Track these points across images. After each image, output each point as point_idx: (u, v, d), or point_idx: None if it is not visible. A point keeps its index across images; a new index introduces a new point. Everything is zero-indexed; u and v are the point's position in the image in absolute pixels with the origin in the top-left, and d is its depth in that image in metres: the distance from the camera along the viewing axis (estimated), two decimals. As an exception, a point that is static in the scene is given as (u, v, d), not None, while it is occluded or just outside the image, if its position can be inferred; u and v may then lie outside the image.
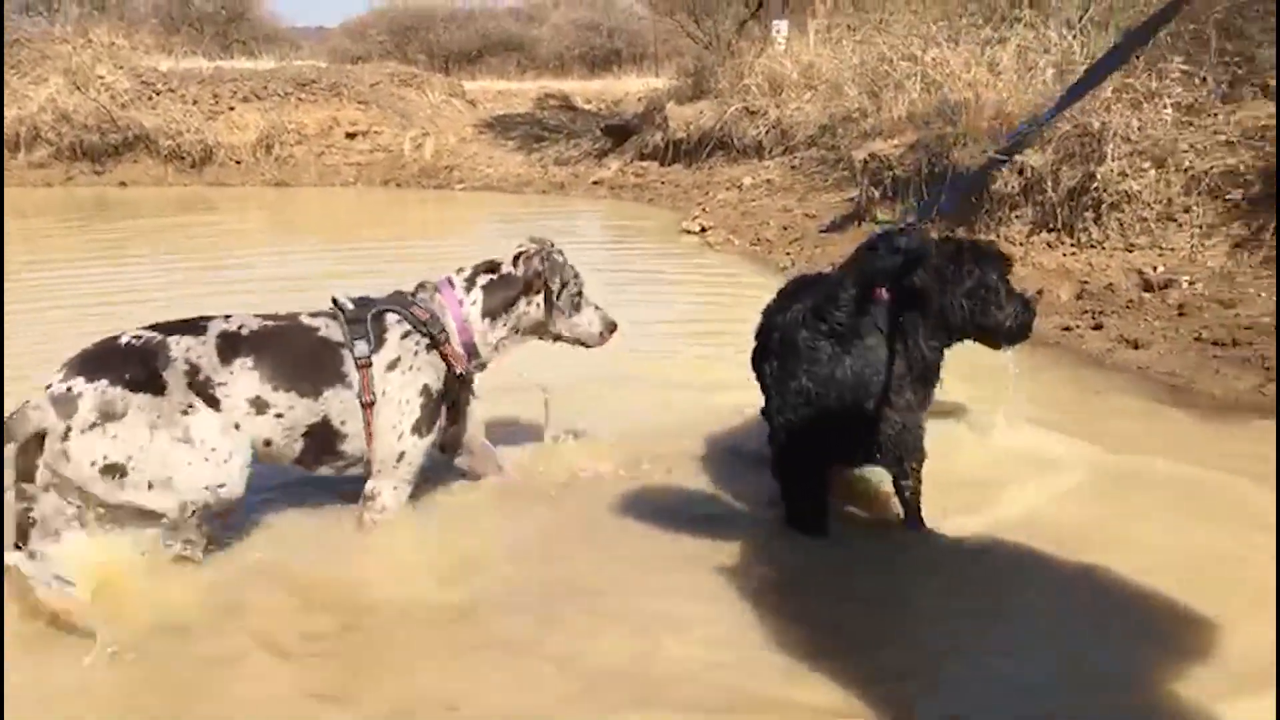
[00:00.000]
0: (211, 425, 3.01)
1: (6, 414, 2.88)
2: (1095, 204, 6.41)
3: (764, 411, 3.25)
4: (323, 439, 3.22)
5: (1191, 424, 4.29)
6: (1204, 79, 6.68)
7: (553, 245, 3.60)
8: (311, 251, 10.11)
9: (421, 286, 3.48)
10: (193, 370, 3.02)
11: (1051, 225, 6.66)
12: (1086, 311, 5.79)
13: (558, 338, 3.67)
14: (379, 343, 3.26)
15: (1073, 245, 6.49)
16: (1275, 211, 4.97)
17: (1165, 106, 6.56)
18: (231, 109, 17.05)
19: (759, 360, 3.29)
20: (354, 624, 2.82)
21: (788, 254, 8.39)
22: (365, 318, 3.27)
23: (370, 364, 3.22)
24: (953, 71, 8.25)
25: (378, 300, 3.37)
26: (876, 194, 8.38)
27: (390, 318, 3.32)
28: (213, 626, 2.77)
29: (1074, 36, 7.88)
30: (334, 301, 3.35)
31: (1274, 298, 5.44)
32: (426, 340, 3.32)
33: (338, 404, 3.19)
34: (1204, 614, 2.68)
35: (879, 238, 3.05)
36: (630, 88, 21.66)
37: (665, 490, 3.67)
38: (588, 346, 3.70)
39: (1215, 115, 6.44)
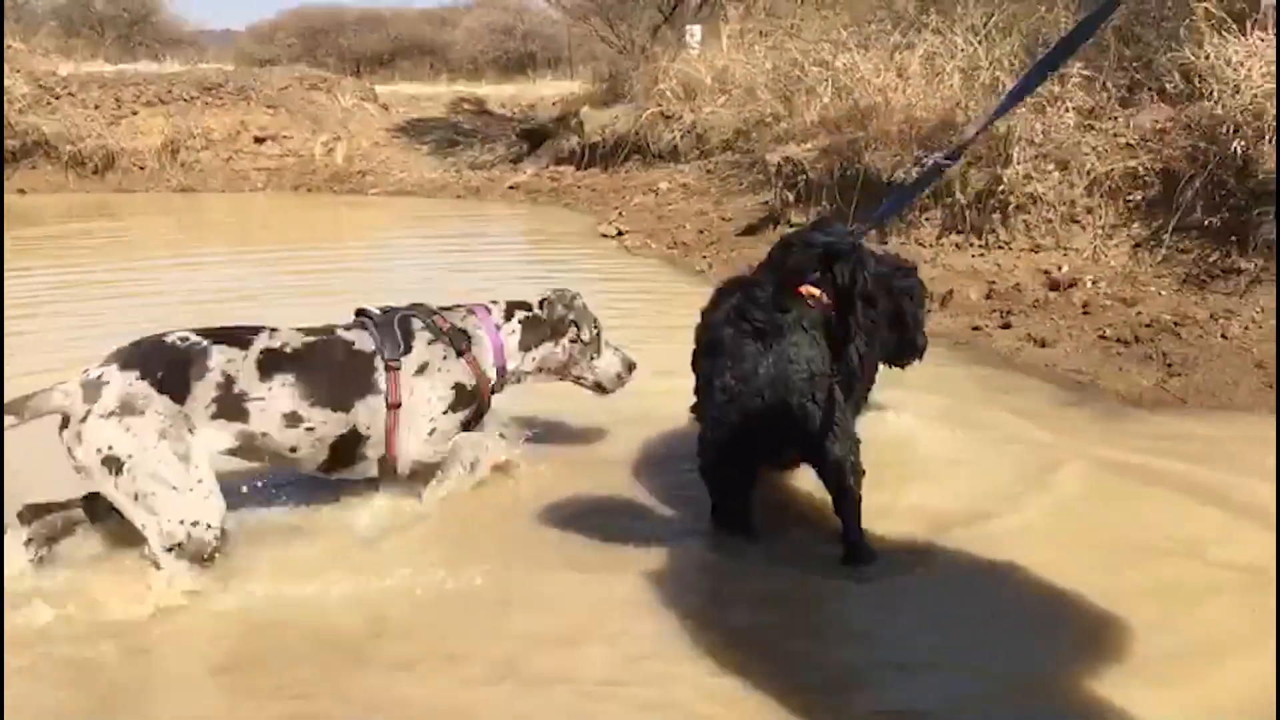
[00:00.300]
0: (205, 453, 3.04)
1: (34, 389, 2.93)
2: (1002, 206, 6.56)
3: (693, 409, 3.25)
4: (347, 447, 3.34)
5: (1096, 419, 4.40)
6: (1104, 84, 6.88)
7: (577, 294, 3.81)
8: (219, 258, 9.89)
9: (452, 307, 3.65)
10: (228, 383, 3.09)
11: (960, 227, 6.80)
12: (995, 311, 5.92)
13: (578, 380, 3.88)
14: (407, 347, 3.41)
15: (981, 247, 6.64)
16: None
17: (1067, 111, 6.74)
18: (135, 113, 16.61)
19: (695, 360, 3.31)
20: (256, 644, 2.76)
21: (704, 257, 8.43)
22: (393, 322, 3.44)
23: (399, 366, 3.36)
24: (863, 76, 8.37)
25: (401, 308, 3.54)
26: (791, 197, 8.48)
27: (415, 323, 3.48)
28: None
29: (979, 42, 8.05)
30: (360, 311, 3.50)
31: (1173, 296, 5.64)
32: (452, 349, 3.49)
33: (365, 412, 3.32)
34: (1120, 611, 2.74)
35: (795, 234, 3.07)
36: (545, 92, 21.62)
37: (591, 496, 3.64)
38: (605, 391, 3.91)
39: (1115, 119, 6.64)
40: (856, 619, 2.89)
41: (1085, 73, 6.95)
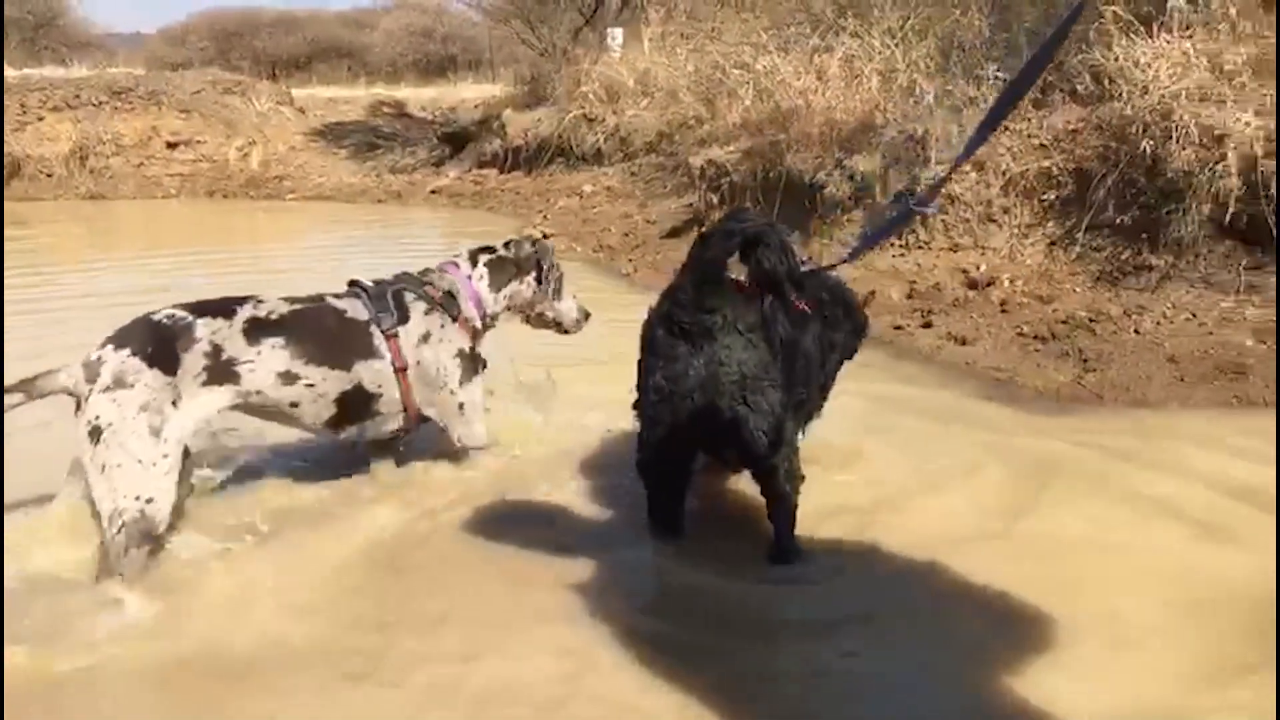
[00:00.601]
0: (175, 432, 3.14)
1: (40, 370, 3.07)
2: (921, 206, 6.64)
3: (635, 406, 3.23)
4: (355, 404, 3.51)
5: (1015, 415, 4.48)
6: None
7: (543, 236, 3.95)
8: (128, 266, 9.60)
9: (426, 270, 3.79)
10: (215, 351, 3.24)
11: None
12: (916, 310, 6.00)
13: (540, 317, 4.06)
14: (403, 318, 3.58)
15: (902, 247, 6.73)
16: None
17: (982, 112, 6.86)
18: (41, 119, 16.09)
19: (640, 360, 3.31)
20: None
21: (630, 260, 8.43)
22: (386, 294, 3.61)
23: (397, 334, 3.54)
24: (783, 79, 8.44)
25: (390, 280, 3.70)
26: (714, 199, 8.52)
27: (408, 295, 3.65)
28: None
29: (896, 45, 8.18)
30: (353, 283, 3.66)
31: (1087, 293, 5.77)
32: (448, 316, 3.67)
33: (369, 373, 3.49)
34: (1037, 603, 2.78)
35: (712, 226, 3.05)
36: (466, 94, 21.46)
37: (523, 502, 3.60)
38: (566, 332, 4.12)
39: (1029, 120, 6.77)
40: (783, 617, 2.89)
41: (1000, 75, 7.09)
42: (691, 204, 9.14)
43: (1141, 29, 6.40)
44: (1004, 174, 6.50)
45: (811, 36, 9.23)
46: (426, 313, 3.63)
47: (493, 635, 2.78)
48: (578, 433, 4.10)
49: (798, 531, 3.15)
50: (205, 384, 3.21)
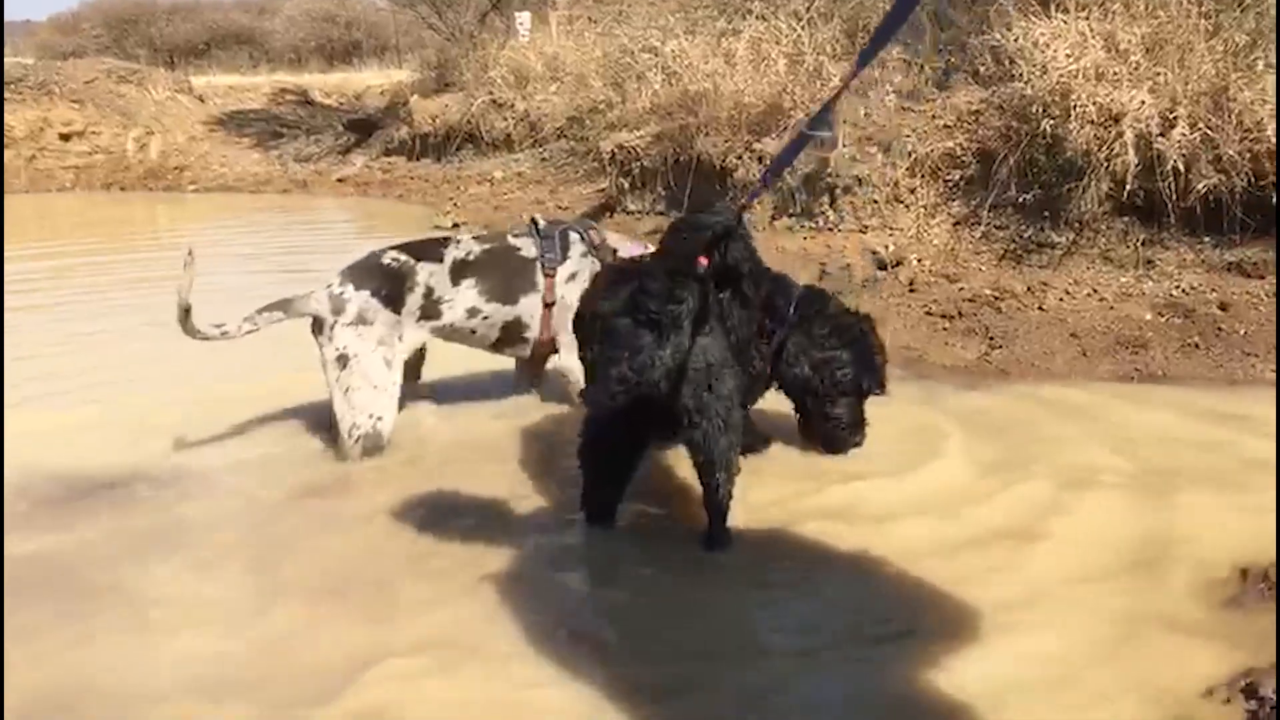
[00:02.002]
0: (399, 361, 3.84)
1: (299, 292, 3.80)
2: (830, 188, 6.70)
3: (581, 394, 3.17)
4: (512, 332, 4.09)
5: (922, 393, 4.54)
6: (921, 67, 7.11)
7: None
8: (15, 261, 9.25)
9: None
10: (429, 292, 3.90)
11: (791, 210, 6.92)
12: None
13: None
14: (564, 256, 4.07)
15: (812, 228, 6.77)
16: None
17: (888, 93, 6.95)
18: (-78, 111, 15.42)
19: (582, 343, 3.29)
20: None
21: (542, 247, 8.35)
22: (555, 234, 4.10)
23: (554, 273, 4.03)
24: (691, 63, 8.42)
25: (565, 222, 4.27)
26: (626, 185, 8.49)
27: (573, 235, 4.14)
28: None
29: (802, 28, 8.21)
30: (531, 220, 4.18)
31: (993, 271, 5.87)
32: (597, 260, 4.06)
33: (527, 306, 4.04)
34: (973, 598, 2.78)
35: (685, 218, 3.02)
36: (372, 81, 21.04)
37: (448, 494, 3.54)
38: None
39: (932, 101, 6.86)
40: (710, 601, 2.89)
41: (903, 56, 7.16)
42: (603, 189, 9.11)
43: (1039, 10, 6.51)
44: (910, 155, 6.58)
45: (719, 19, 9.24)
46: (583, 255, 4.10)
47: (414, 640, 2.71)
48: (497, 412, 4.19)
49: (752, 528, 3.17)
50: (418, 320, 3.90)
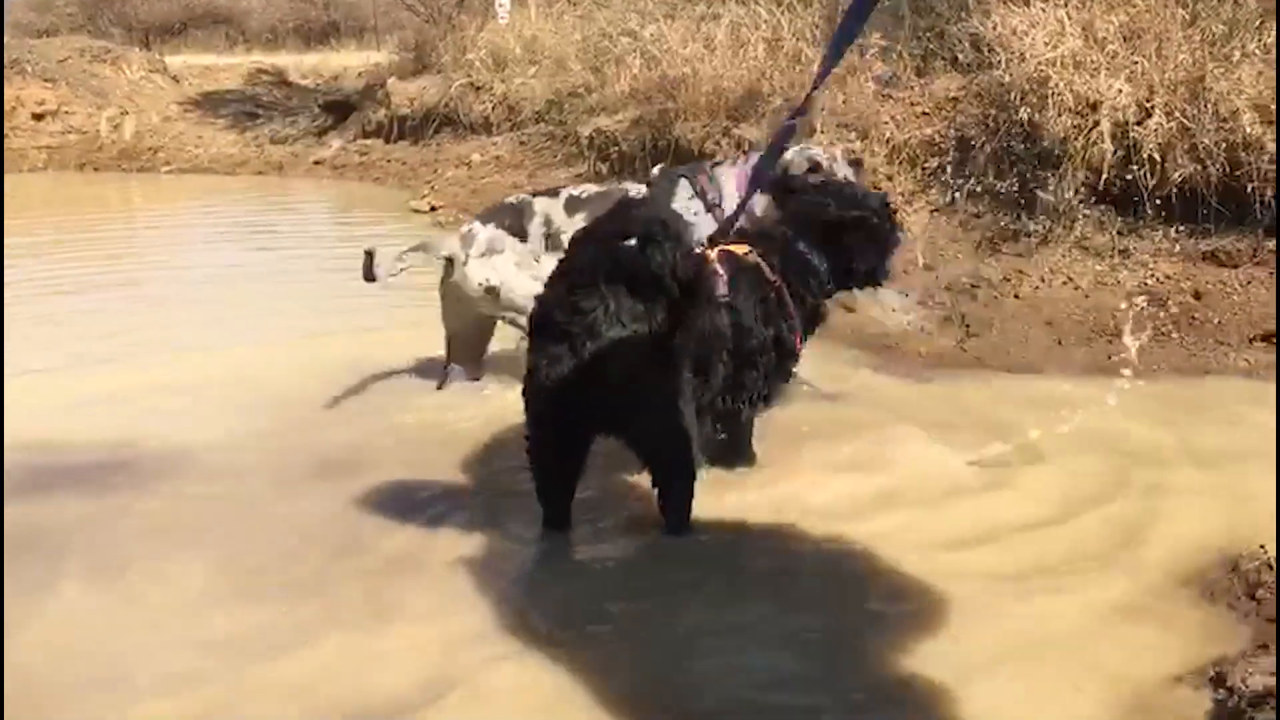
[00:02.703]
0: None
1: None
2: (809, 175, 6.68)
3: (523, 393, 3.14)
4: None
5: (897, 380, 4.55)
6: (900, 54, 7.10)
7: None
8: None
9: (719, 162, 4.46)
10: (548, 221, 4.18)
11: (770, 197, 6.90)
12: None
13: None
14: (669, 199, 4.19)
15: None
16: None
17: (867, 81, 6.93)
18: (-110, 89, 15.18)
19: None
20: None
21: (519, 231, 8.31)
22: (666, 178, 4.32)
23: None
24: (670, 47, 8.39)
25: (679, 169, 4.46)
26: (604, 169, 8.46)
27: (681, 181, 4.26)
28: None
29: (781, 13, 8.18)
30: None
31: (969, 259, 5.88)
32: (703, 205, 4.15)
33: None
34: (944, 587, 2.78)
35: (594, 224, 2.99)
36: (350, 62, 20.81)
37: (406, 480, 3.54)
38: None
39: (911, 88, 6.86)
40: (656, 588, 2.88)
41: (882, 43, 7.15)
42: (581, 174, 9.04)
43: (1018, -2, 6.51)
44: (888, 142, 6.58)
45: (698, 4, 9.19)
46: (689, 198, 4.21)
47: (358, 651, 2.65)
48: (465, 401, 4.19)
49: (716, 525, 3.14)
50: (546, 250, 4.08)
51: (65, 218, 10.74)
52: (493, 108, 11.97)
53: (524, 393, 3.05)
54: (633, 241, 2.83)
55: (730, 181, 4.19)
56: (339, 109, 15.25)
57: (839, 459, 3.65)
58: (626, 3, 10.58)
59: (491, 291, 4.04)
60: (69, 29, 29.30)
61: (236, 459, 3.76)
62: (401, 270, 4.18)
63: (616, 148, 8.29)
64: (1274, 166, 5.16)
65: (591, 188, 4.39)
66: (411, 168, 12.26)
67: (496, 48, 12.41)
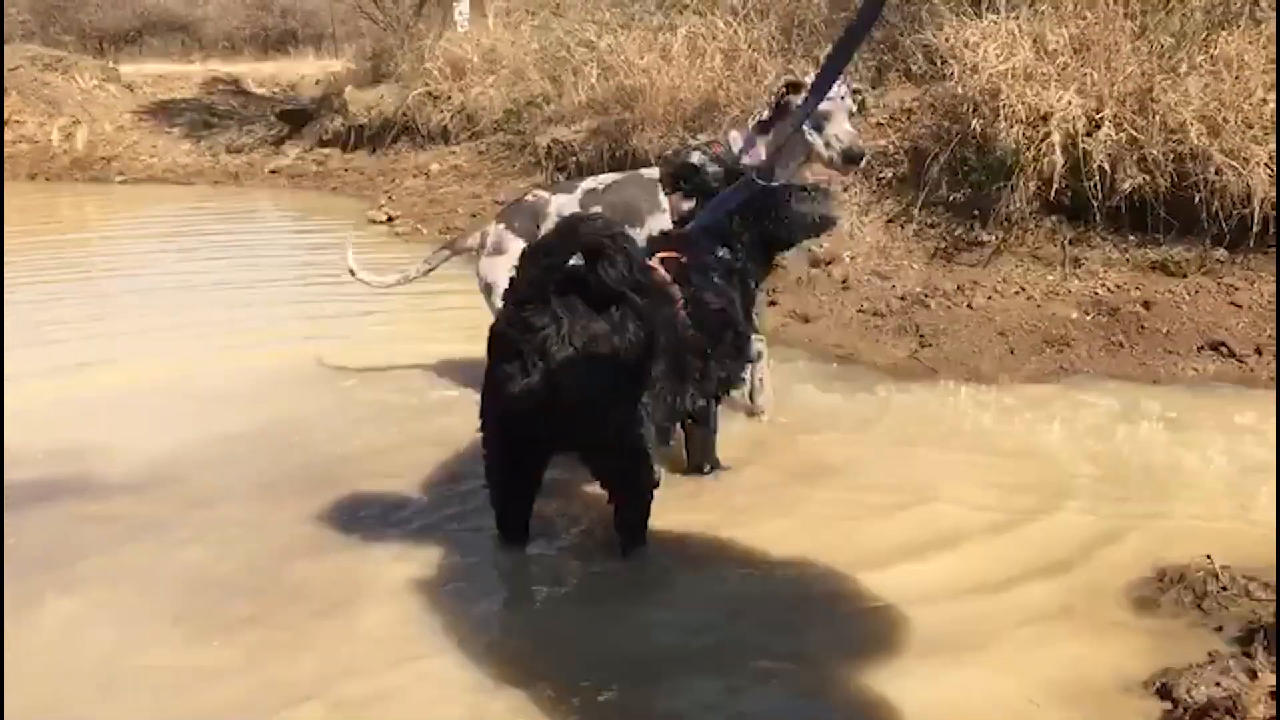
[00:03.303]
0: None
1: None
2: (765, 185, 6.69)
3: (480, 411, 3.09)
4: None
5: (852, 391, 4.56)
6: (855, 65, 7.12)
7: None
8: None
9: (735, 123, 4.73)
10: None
11: (727, 207, 6.90)
12: (761, 289, 6.04)
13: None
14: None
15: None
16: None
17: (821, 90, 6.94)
18: None
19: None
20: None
21: (477, 242, 8.27)
22: (679, 154, 4.42)
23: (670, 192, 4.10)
24: (627, 58, 8.39)
25: (693, 144, 4.49)
26: (562, 179, 8.42)
27: (695, 155, 4.07)
28: None
29: (738, 24, 8.21)
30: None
31: (923, 269, 5.91)
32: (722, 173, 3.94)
33: (654, 224, 4.05)
34: (891, 601, 2.79)
35: (541, 241, 2.95)
36: (307, 70, 20.71)
37: (362, 494, 3.49)
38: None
39: (866, 99, 6.88)
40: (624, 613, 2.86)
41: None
42: (539, 184, 9.02)
43: (970, 10, 6.56)
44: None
45: (655, 14, 9.20)
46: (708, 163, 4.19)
47: (300, 669, 2.65)
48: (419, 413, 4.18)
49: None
50: None
51: (15, 227, 10.54)
52: (451, 117, 11.92)
53: (480, 411, 3.02)
54: (583, 258, 2.82)
55: (738, 141, 4.20)
56: (296, 118, 15.15)
57: (789, 470, 3.66)
58: (584, 13, 10.57)
59: (487, 290, 4.11)
60: (20, 37, 28.84)
61: (183, 470, 3.70)
62: (427, 272, 4.51)
63: (574, 158, 8.27)
64: (1219, 178, 5.23)
65: (609, 177, 4.35)
66: (369, 177, 12.19)
67: (455, 57, 12.37)
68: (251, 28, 36.07)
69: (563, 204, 4.18)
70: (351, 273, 4.60)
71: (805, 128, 3.93)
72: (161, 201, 12.47)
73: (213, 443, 3.96)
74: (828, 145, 4.02)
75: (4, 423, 3.06)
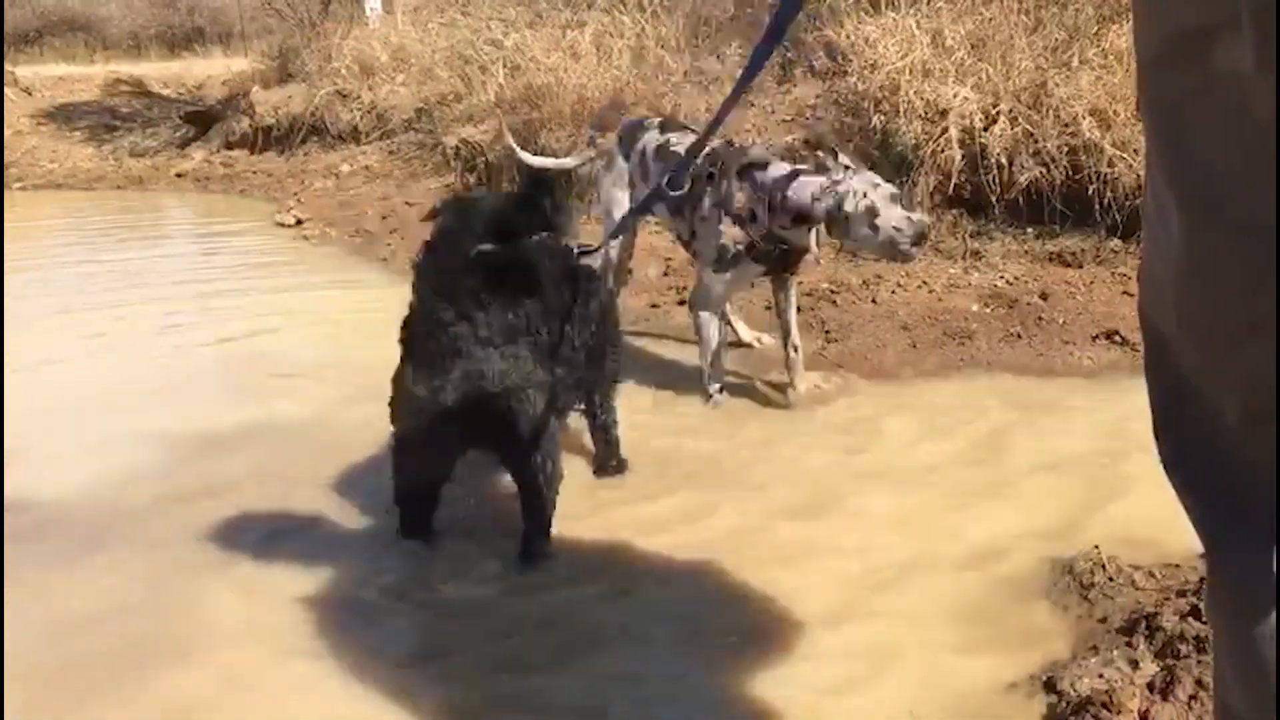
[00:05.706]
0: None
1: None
2: (673, 183, 6.71)
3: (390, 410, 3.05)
4: None
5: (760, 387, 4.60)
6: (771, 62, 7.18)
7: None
8: None
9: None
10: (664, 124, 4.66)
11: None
12: (672, 288, 6.06)
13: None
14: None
15: (656, 225, 6.76)
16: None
17: (727, 88, 6.98)
18: None
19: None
20: None
21: (389, 244, 8.13)
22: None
23: None
24: (534, 56, 8.34)
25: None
26: (472, 180, 8.37)
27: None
28: None
29: (646, 21, 8.21)
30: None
31: (830, 265, 5.97)
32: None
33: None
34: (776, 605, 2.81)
35: (436, 235, 2.91)
36: (213, 70, 20.17)
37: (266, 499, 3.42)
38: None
39: (771, 96, 6.94)
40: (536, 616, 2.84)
41: (742, 51, 7.23)
42: (450, 184, 8.94)
43: (870, 8, 6.65)
44: (750, 149, 6.63)
45: (563, 12, 9.16)
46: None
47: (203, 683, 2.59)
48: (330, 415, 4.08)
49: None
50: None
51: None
52: (361, 116, 11.73)
53: (390, 402, 2.97)
54: (490, 245, 2.79)
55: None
56: (202, 119, 14.77)
57: (687, 470, 3.68)
58: (491, 10, 10.48)
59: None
60: (-90, 39, 27.79)
61: (85, 479, 3.60)
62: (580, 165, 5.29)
63: (483, 158, 8.20)
64: (1111, 169, 5.37)
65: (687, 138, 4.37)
66: (278, 179, 11.94)
67: (363, 55, 12.18)
68: (157, 26, 35.05)
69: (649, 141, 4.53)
70: (513, 151, 5.37)
71: (864, 230, 3.73)
72: (61, 208, 12.07)
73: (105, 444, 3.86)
74: (894, 241, 3.74)
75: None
